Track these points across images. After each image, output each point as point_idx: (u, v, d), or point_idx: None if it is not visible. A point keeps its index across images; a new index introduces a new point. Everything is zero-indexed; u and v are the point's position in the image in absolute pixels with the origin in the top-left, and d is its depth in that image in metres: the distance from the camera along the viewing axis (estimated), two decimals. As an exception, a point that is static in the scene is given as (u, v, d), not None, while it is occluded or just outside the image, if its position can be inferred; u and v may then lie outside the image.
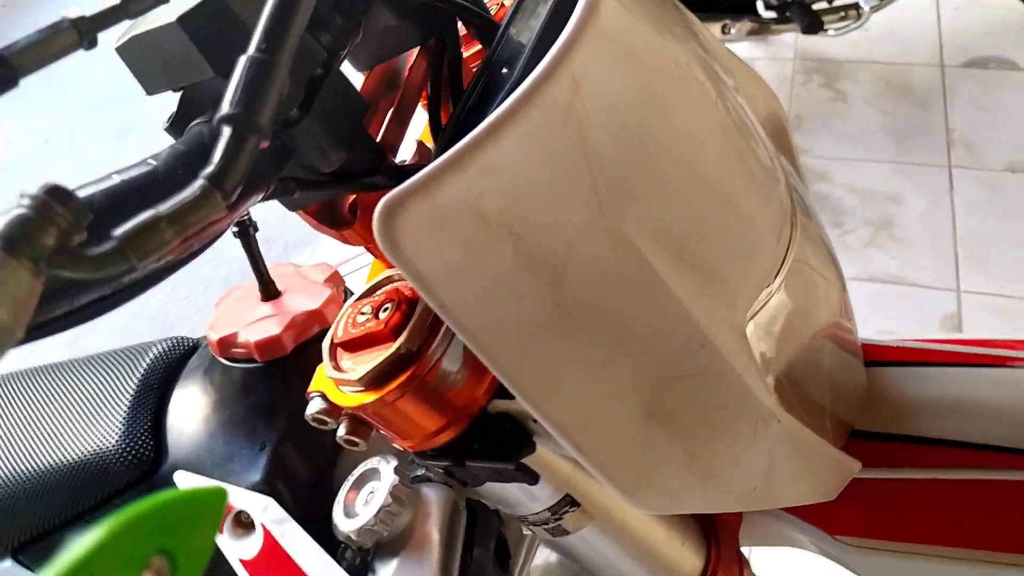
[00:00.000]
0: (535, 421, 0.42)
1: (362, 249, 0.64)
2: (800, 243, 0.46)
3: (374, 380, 0.40)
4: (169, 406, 0.68)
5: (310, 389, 0.44)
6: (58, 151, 2.74)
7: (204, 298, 2.17)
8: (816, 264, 0.49)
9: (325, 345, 0.44)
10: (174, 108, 0.40)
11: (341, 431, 0.44)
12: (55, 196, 0.25)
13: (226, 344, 0.63)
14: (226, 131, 0.28)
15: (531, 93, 0.33)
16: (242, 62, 0.29)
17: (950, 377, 0.58)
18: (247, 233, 0.61)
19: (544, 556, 0.91)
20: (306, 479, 0.63)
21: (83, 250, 0.26)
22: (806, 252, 0.47)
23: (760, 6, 2.09)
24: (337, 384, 0.42)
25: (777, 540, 0.62)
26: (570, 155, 0.34)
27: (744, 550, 0.59)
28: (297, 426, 0.62)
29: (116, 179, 0.33)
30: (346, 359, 0.42)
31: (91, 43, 0.32)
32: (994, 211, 1.89)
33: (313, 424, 0.44)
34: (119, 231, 0.26)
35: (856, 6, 2.05)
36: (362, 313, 0.43)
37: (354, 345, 0.42)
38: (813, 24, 2.02)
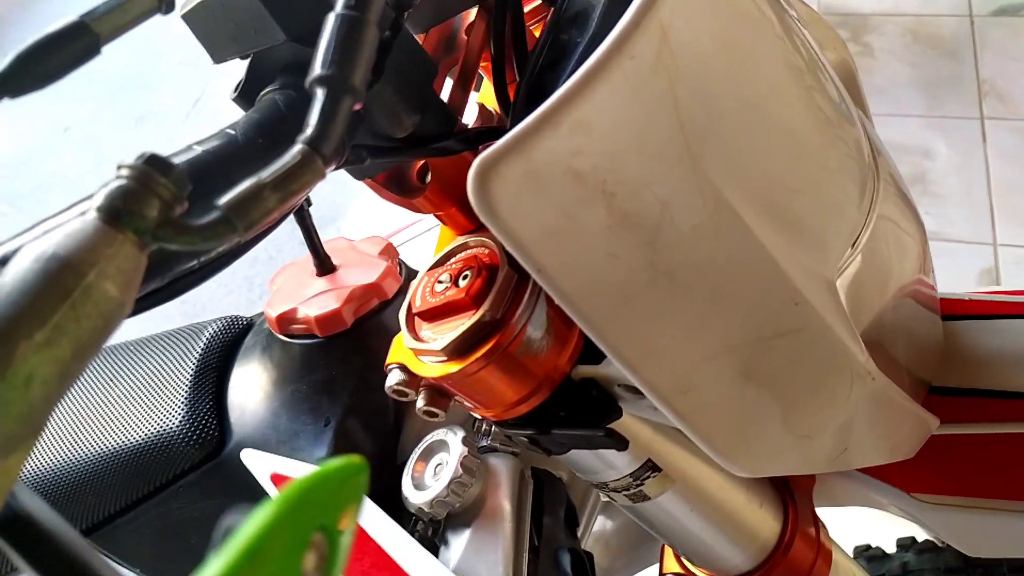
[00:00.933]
0: (620, 386, 0.41)
1: (411, 223, 0.63)
2: (883, 196, 0.45)
3: (457, 350, 0.39)
4: (229, 385, 0.67)
5: (388, 360, 0.43)
6: (79, 140, 2.75)
7: (232, 282, 2.18)
8: (899, 218, 0.47)
9: (402, 315, 0.43)
10: (242, 76, 0.39)
11: (420, 403, 0.43)
12: (155, 165, 0.24)
13: (285, 321, 0.62)
14: (320, 93, 0.27)
15: (620, 43, 0.31)
16: (331, 20, 0.28)
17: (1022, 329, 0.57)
18: (301, 209, 0.60)
19: (600, 524, 0.91)
20: (371, 453, 0.63)
21: (186, 220, 0.25)
22: (889, 205, 0.46)
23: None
24: (417, 354, 0.41)
25: (852, 500, 0.61)
26: (662, 108, 0.32)
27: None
28: (360, 401, 0.62)
29: (198, 150, 0.32)
30: (426, 329, 0.42)
31: (168, 7, 0.31)
32: (1030, 162, 1.85)
33: (393, 396, 0.44)
34: (223, 200, 0.25)
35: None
36: (440, 282, 0.42)
37: (434, 314, 0.41)
38: (840, -23, 1.97)
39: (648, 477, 0.47)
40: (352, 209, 2.09)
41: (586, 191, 0.31)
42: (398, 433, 0.64)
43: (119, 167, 0.25)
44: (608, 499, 0.51)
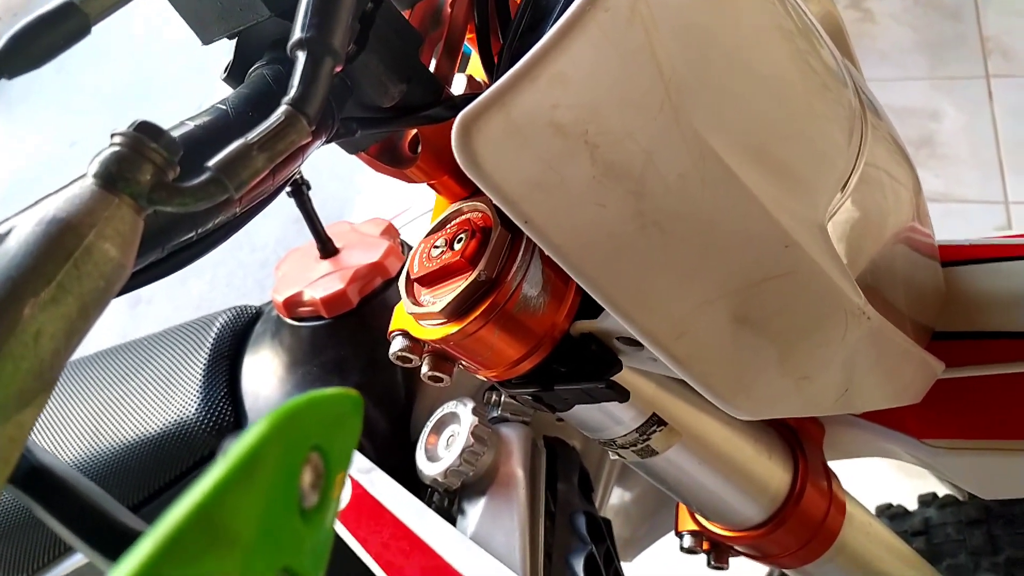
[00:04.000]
0: (619, 339, 0.42)
1: (410, 204, 0.63)
2: (871, 144, 0.45)
3: (456, 311, 0.40)
4: (242, 372, 0.69)
5: (391, 329, 0.44)
6: (86, 154, 2.77)
7: (244, 284, 2.20)
8: (888, 166, 0.48)
9: (401, 282, 0.44)
10: (230, 58, 0.40)
11: (425, 368, 0.44)
12: (146, 132, 0.25)
13: (292, 304, 0.63)
14: (301, 56, 0.28)
15: None
16: None
17: None
18: (301, 192, 0.61)
19: (618, 496, 0.92)
20: (385, 429, 0.64)
21: (178, 183, 0.26)
22: (878, 153, 0.46)
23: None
24: (418, 319, 0.42)
25: (862, 451, 0.61)
26: (639, 59, 0.33)
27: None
28: (371, 378, 0.63)
29: (190, 124, 0.33)
30: (425, 294, 0.42)
31: None
32: (1038, 117, 1.83)
33: (397, 363, 0.45)
34: (212, 162, 0.26)
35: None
36: (436, 247, 0.43)
37: (431, 279, 0.42)
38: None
39: (654, 431, 0.48)
40: (357, 206, 2.10)
41: (568, 143, 0.32)
42: (410, 409, 0.65)
43: (112, 134, 0.26)
44: (617, 456, 0.51)
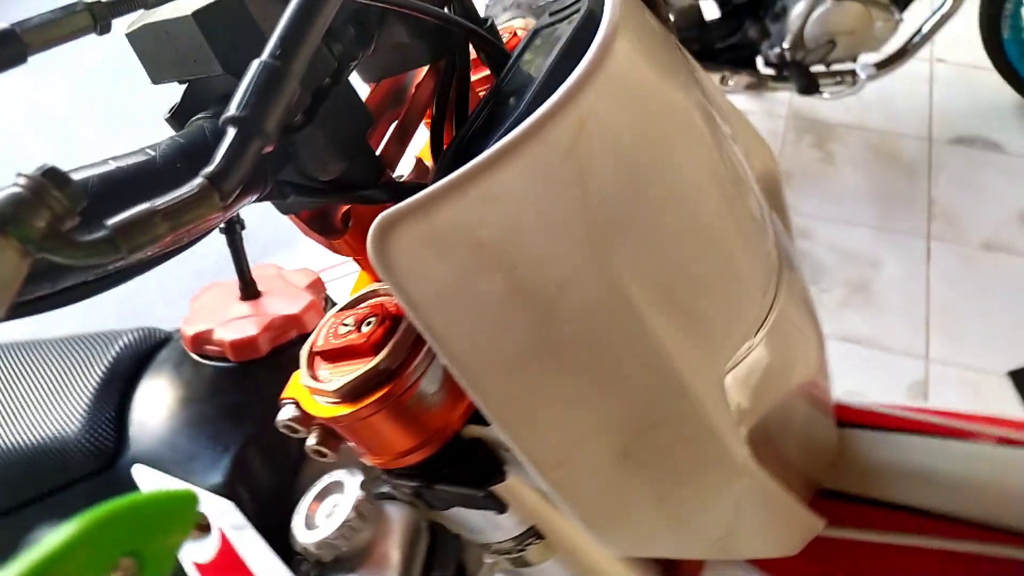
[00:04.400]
0: (508, 450, 0.42)
1: (348, 258, 0.63)
2: (784, 300, 0.47)
3: (350, 393, 0.40)
4: (135, 397, 0.66)
5: (283, 395, 0.44)
6: (49, 125, 2.72)
7: (175, 288, 2.14)
8: (798, 321, 0.49)
9: (303, 352, 0.43)
10: (177, 99, 0.40)
11: (311, 441, 0.43)
12: (52, 178, 0.25)
13: (200, 340, 0.62)
14: (231, 132, 0.28)
15: (537, 128, 0.33)
16: (255, 66, 0.29)
17: (918, 446, 0.59)
18: (233, 230, 0.60)
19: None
20: (268, 486, 0.62)
21: (74, 235, 0.25)
22: (789, 309, 0.47)
23: (760, 62, 2.13)
24: (312, 393, 0.42)
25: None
26: (569, 193, 0.34)
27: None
28: (264, 431, 0.62)
29: (112, 165, 0.33)
30: (324, 369, 0.42)
31: (104, 28, 0.32)
32: (968, 286, 1.92)
33: (283, 431, 0.44)
34: (112, 221, 0.26)
35: (852, 73, 2.10)
36: (344, 324, 0.42)
37: (333, 356, 0.42)
38: (809, 85, 2.06)
39: (531, 543, 0.47)
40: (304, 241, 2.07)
41: (485, 260, 0.33)
42: (298, 469, 0.64)
43: (17, 175, 0.25)
44: (492, 560, 0.51)
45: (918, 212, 2.09)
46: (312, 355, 0.43)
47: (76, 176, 0.31)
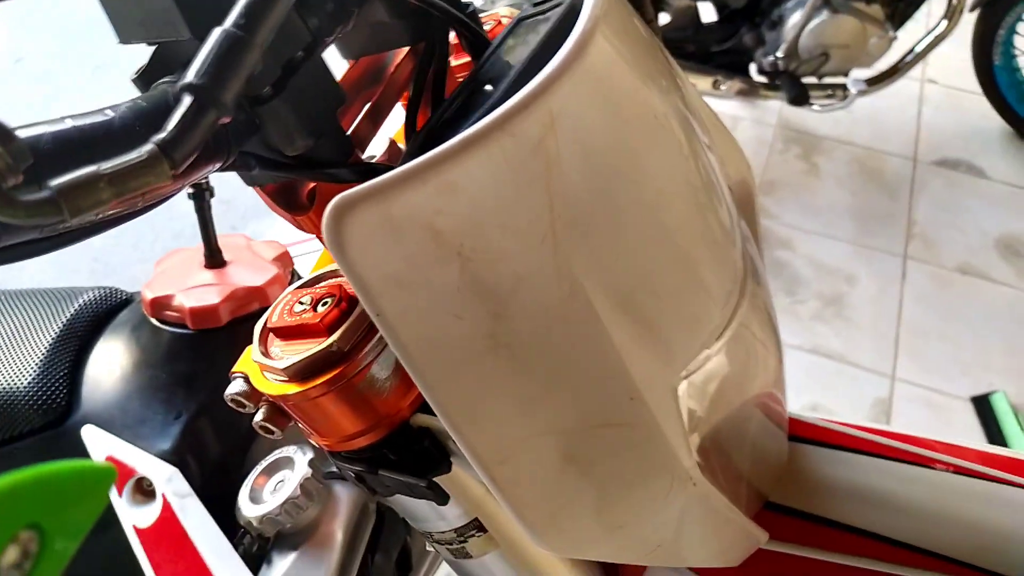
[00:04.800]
0: (454, 442, 0.42)
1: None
2: (746, 310, 0.47)
3: (300, 372, 0.40)
4: (90, 356, 0.65)
5: (234, 369, 0.43)
6: (33, 73, 2.67)
7: (152, 249, 2.12)
8: (758, 332, 0.49)
9: (257, 328, 0.43)
10: (145, 60, 0.39)
11: (259, 416, 0.43)
12: (-4, 134, 0.24)
13: (159, 305, 0.61)
14: (186, 100, 0.28)
15: (505, 120, 0.33)
16: (216, 34, 0.29)
17: (869, 467, 0.59)
18: (201, 197, 0.60)
19: (446, 572, 0.90)
20: (217, 456, 0.62)
21: (15, 193, 0.25)
22: (750, 320, 0.47)
23: (753, 69, 2.13)
24: (262, 369, 0.41)
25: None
26: (533, 189, 0.33)
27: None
28: (217, 401, 0.61)
29: (69, 124, 0.32)
30: (276, 345, 0.42)
31: None
32: (940, 308, 1.94)
33: (231, 405, 0.43)
34: (55, 182, 0.25)
35: (843, 87, 2.11)
36: (300, 303, 0.42)
37: (287, 333, 0.41)
38: (800, 97, 2.07)
39: (473, 535, 0.47)
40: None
41: (441, 249, 0.32)
42: (249, 443, 0.63)
43: None
44: (433, 548, 0.51)
45: (897, 231, 2.11)
46: (266, 331, 0.42)
47: (29, 132, 0.30)
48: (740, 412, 0.49)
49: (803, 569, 0.58)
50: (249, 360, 0.43)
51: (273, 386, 0.41)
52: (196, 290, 0.60)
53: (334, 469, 0.62)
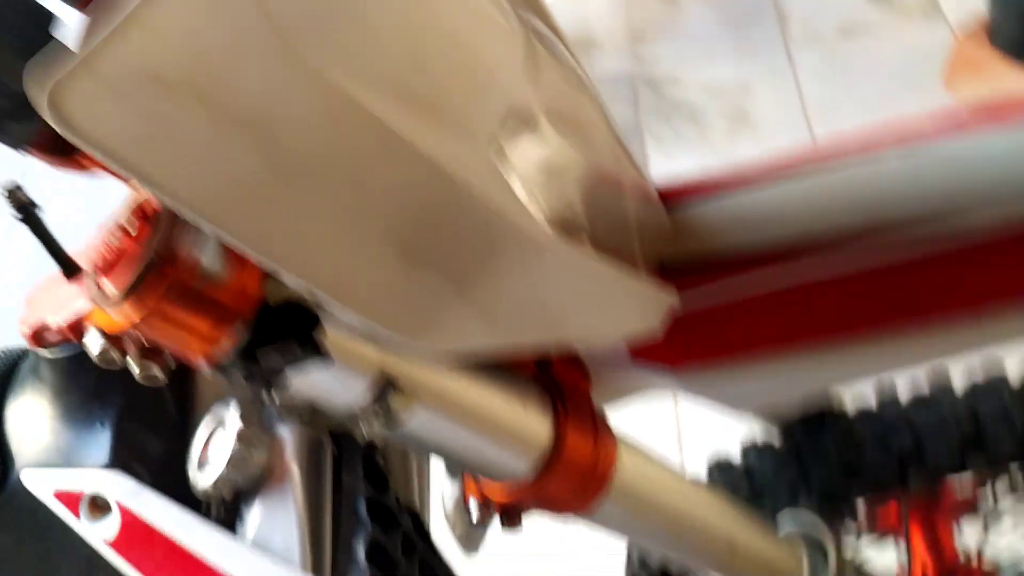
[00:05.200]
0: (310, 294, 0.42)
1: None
2: (554, 85, 0.47)
3: (137, 293, 0.39)
4: (6, 417, 0.65)
5: (85, 333, 0.43)
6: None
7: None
8: (574, 108, 0.49)
9: (88, 279, 0.42)
10: None
11: (135, 369, 0.43)
12: None
13: (39, 335, 0.60)
14: None
15: None
16: None
17: (751, 197, 0.59)
18: (31, 214, 0.58)
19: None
20: (158, 450, 0.61)
21: None
22: (561, 95, 0.47)
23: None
24: (106, 309, 0.41)
25: (631, 391, 0.63)
26: (241, 5, 0.33)
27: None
28: (135, 398, 0.61)
29: None
30: (107, 283, 0.41)
31: None
32: (836, 79, 1.96)
33: (102, 365, 0.43)
34: None
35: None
36: (113, 236, 0.41)
37: (110, 266, 0.41)
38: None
39: (389, 394, 0.47)
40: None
41: (174, 95, 0.32)
42: (186, 424, 0.63)
43: None
44: (370, 433, 0.51)
45: (771, 24, 2.12)
46: (96, 277, 0.42)
47: None
48: (588, 188, 0.49)
49: (727, 313, 0.59)
50: (96, 315, 0.42)
51: (123, 320, 0.40)
52: (64, 305, 0.59)
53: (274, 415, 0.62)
